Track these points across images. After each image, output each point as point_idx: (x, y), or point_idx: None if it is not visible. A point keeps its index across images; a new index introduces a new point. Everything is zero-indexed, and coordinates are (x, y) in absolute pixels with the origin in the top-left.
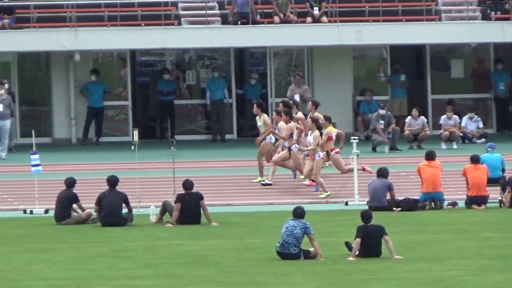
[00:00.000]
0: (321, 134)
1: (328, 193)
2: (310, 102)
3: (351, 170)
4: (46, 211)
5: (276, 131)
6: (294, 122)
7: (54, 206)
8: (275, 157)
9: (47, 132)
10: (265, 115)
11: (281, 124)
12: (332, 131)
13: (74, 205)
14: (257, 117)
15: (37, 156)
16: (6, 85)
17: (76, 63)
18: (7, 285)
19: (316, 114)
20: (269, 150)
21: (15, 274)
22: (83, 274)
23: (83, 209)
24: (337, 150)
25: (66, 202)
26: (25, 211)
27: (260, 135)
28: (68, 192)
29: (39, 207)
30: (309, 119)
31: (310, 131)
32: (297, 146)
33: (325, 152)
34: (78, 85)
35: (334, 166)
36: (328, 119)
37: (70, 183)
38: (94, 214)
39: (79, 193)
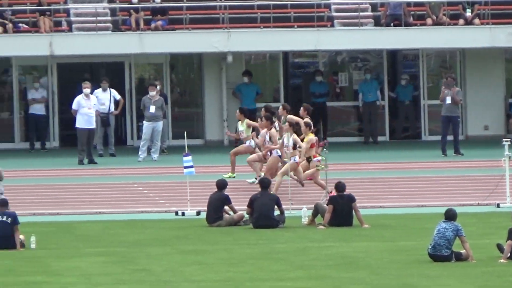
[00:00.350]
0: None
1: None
2: (281, 106)
3: (302, 180)
4: (198, 213)
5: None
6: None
7: (206, 208)
8: (251, 157)
9: (199, 134)
10: (248, 120)
11: (273, 131)
12: (313, 137)
13: (226, 207)
14: (239, 122)
15: (189, 157)
16: (158, 87)
17: (229, 64)
18: (159, 286)
19: (290, 117)
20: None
21: (166, 275)
22: (234, 276)
23: (235, 211)
24: (319, 158)
25: (218, 203)
26: (177, 213)
27: (243, 141)
28: (220, 194)
29: (191, 209)
30: (286, 123)
31: (287, 135)
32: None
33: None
34: (230, 86)
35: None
36: (308, 125)
37: (222, 185)
38: (246, 216)
39: (231, 195)
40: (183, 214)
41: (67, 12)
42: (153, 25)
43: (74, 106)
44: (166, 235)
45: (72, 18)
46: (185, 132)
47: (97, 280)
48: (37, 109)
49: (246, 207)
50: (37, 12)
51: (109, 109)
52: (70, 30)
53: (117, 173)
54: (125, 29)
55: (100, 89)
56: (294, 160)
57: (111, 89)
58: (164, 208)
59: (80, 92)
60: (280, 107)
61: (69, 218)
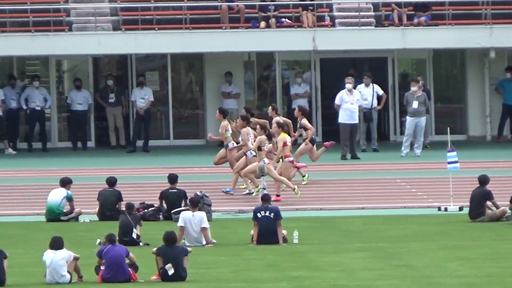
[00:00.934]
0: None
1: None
2: (270, 107)
3: (283, 181)
4: (461, 209)
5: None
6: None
7: (468, 204)
8: (245, 169)
9: (462, 129)
10: (226, 121)
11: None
12: (285, 137)
13: (488, 202)
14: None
15: (454, 153)
16: (421, 82)
17: (491, 60)
18: (421, 282)
19: (277, 118)
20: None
21: (428, 271)
22: (496, 272)
23: (497, 206)
24: (291, 158)
25: (481, 199)
26: (439, 208)
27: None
28: (483, 190)
29: (454, 205)
30: (274, 125)
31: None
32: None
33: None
34: (493, 82)
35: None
36: (280, 125)
37: (483, 181)
38: (509, 211)
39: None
40: (445, 209)
41: (330, 7)
42: (416, 20)
43: (337, 101)
44: (428, 231)
45: (335, 13)
46: (448, 128)
47: (360, 275)
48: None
49: (508, 203)
50: (300, 7)
51: (371, 105)
52: (333, 25)
53: (380, 168)
54: (388, 24)
55: (362, 84)
56: (264, 162)
57: (374, 84)
58: (426, 204)
59: (343, 87)
60: (270, 108)
61: (332, 213)
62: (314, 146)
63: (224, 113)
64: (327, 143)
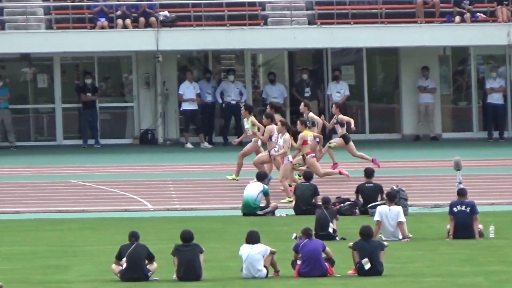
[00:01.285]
0: (295, 138)
1: (291, 199)
2: (302, 104)
3: (328, 174)
4: None
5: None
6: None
7: None
8: (256, 158)
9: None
10: (253, 117)
11: (286, 136)
12: (308, 135)
13: None
14: (245, 120)
15: None
16: None
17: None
18: None
19: (311, 115)
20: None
21: None
22: None
23: None
24: (313, 154)
25: None
26: None
27: (249, 138)
28: None
29: None
30: (278, 122)
31: (280, 134)
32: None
33: (301, 156)
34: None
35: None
36: (303, 123)
37: None
38: None
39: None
40: None
41: None
42: None
43: None
44: None
45: None
46: None
47: None
48: (495, 98)
49: None
50: (495, 2)
51: None
52: None
53: None
54: None
55: None
56: (288, 160)
57: None
58: None
59: None
60: (268, 106)
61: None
62: (351, 141)
63: (250, 109)
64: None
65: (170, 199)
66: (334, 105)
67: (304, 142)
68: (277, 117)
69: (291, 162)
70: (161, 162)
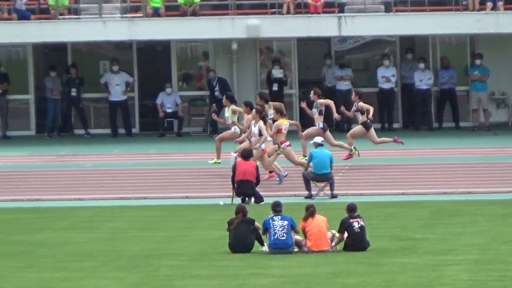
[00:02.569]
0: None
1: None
2: (312, 91)
3: (302, 164)
4: None
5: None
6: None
7: None
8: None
9: None
10: (234, 105)
11: (261, 124)
12: (282, 123)
13: None
14: (226, 108)
15: None
16: None
17: None
18: None
19: (321, 101)
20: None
21: None
22: None
23: None
24: (288, 143)
25: None
26: None
27: (229, 126)
28: None
29: None
30: (253, 110)
31: (253, 122)
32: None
33: (276, 145)
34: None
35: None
36: (279, 111)
37: None
38: None
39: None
40: None
41: None
42: None
43: None
44: None
45: None
46: None
47: None
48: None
49: None
50: None
51: None
52: None
53: None
54: None
55: None
56: (261, 147)
57: None
58: None
59: None
60: (258, 97)
61: None
62: (372, 129)
63: (232, 99)
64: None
65: None
66: (354, 92)
67: (279, 130)
68: (267, 107)
69: (263, 149)
70: None
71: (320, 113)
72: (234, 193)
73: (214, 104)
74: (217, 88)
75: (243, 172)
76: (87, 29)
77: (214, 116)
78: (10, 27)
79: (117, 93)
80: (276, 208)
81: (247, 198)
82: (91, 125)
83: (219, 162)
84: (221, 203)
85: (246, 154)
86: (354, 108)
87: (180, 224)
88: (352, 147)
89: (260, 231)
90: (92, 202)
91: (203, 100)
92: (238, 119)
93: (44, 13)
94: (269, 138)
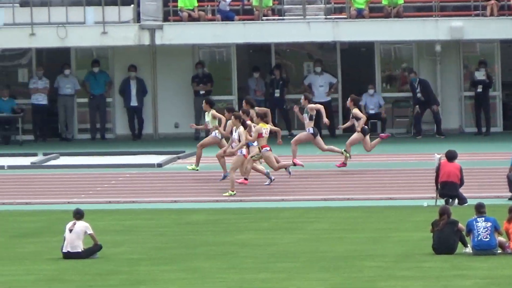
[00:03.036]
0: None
1: (234, 192)
2: (303, 96)
3: (282, 167)
4: None
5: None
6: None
7: None
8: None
9: None
10: (213, 110)
11: (241, 130)
12: (263, 127)
13: None
14: (206, 113)
15: None
16: None
17: None
18: None
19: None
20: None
21: None
22: None
23: None
24: (269, 147)
25: None
26: None
27: (209, 131)
28: None
29: None
30: (232, 116)
31: (234, 128)
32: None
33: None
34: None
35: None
36: (259, 116)
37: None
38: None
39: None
40: None
41: None
42: None
43: None
44: None
45: None
46: None
47: None
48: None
49: None
50: None
51: None
52: None
53: None
54: None
55: None
56: (241, 153)
57: None
58: None
59: None
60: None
61: None
62: (367, 136)
63: (211, 103)
64: (382, 134)
65: None
66: (349, 99)
67: (259, 135)
68: (252, 112)
69: (244, 155)
70: None
71: (310, 118)
72: (438, 195)
73: (417, 106)
74: (418, 89)
75: (447, 173)
76: (291, 30)
77: (192, 125)
78: (214, 28)
79: (320, 94)
80: (480, 209)
81: (450, 200)
82: (294, 126)
83: (197, 169)
84: (425, 204)
85: (451, 156)
86: (350, 115)
87: (382, 225)
88: (343, 150)
89: (464, 233)
90: (294, 204)
91: (407, 101)
92: (220, 123)
93: (247, 14)
94: (254, 143)
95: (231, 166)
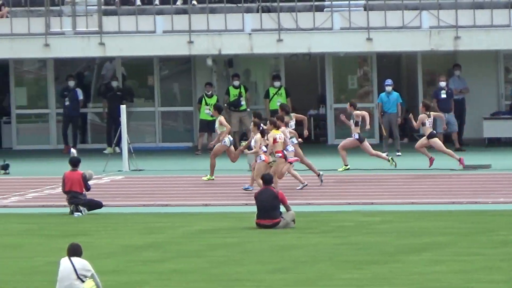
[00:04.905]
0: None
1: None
2: (348, 104)
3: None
4: None
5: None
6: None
7: None
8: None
9: None
10: (222, 117)
11: (257, 136)
12: (276, 133)
13: None
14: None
15: None
16: None
17: None
18: None
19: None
20: (222, 151)
21: None
22: None
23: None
24: (281, 154)
25: None
26: None
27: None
28: None
29: None
30: (252, 122)
31: (252, 134)
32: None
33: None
34: None
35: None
36: (272, 122)
37: None
38: None
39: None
40: None
41: None
42: None
43: None
44: None
45: None
46: None
47: None
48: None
49: None
50: None
51: None
52: None
53: None
54: None
55: None
56: (260, 159)
57: None
58: None
59: None
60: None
61: None
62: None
63: (220, 109)
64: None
65: None
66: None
67: (274, 141)
68: (287, 118)
69: (263, 160)
70: None
71: (356, 124)
72: None
73: None
74: None
75: None
76: None
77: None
78: None
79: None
80: None
81: None
82: None
83: (213, 179)
84: None
85: None
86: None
87: None
88: (390, 158)
89: None
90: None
91: None
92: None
93: None
94: (290, 149)
95: (255, 173)
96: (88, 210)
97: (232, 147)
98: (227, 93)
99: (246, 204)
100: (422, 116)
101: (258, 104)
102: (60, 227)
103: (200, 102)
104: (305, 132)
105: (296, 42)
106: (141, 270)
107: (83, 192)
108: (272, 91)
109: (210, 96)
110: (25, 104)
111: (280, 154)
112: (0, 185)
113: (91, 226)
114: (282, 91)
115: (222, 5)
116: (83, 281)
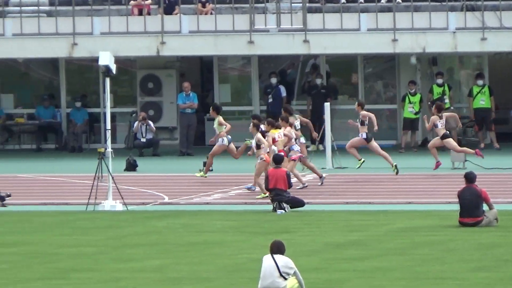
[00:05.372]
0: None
1: (266, 194)
2: (356, 103)
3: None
4: None
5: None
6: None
7: None
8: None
9: None
10: (220, 117)
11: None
12: (274, 133)
13: None
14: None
15: None
16: None
17: None
18: None
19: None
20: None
21: None
22: None
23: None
24: (282, 153)
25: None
26: None
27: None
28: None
29: None
30: (251, 123)
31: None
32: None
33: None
34: None
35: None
36: (270, 123)
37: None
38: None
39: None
40: None
41: None
42: None
43: None
44: None
45: None
46: None
47: None
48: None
49: None
50: None
51: None
52: None
53: None
54: None
55: None
56: (260, 159)
57: None
58: None
59: None
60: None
61: None
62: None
63: (218, 110)
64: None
65: None
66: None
67: (273, 140)
68: (292, 119)
69: (264, 160)
70: None
71: (362, 124)
72: None
73: None
74: None
75: None
76: None
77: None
78: None
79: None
80: None
81: None
82: None
83: (206, 177)
84: None
85: None
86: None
87: None
88: (394, 164)
89: None
90: None
91: None
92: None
93: None
94: (295, 148)
95: (255, 173)
96: (291, 207)
97: (231, 145)
98: (431, 91)
99: (449, 202)
100: (433, 117)
101: (461, 103)
102: (263, 224)
103: (403, 100)
104: (314, 134)
105: (500, 41)
106: (343, 267)
107: (287, 190)
108: (475, 89)
109: (414, 94)
110: (229, 101)
111: (282, 153)
112: (203, 182)
113: (293, 224)
114: (486, 89)
115: (427, 3)
116: (285, 279)
